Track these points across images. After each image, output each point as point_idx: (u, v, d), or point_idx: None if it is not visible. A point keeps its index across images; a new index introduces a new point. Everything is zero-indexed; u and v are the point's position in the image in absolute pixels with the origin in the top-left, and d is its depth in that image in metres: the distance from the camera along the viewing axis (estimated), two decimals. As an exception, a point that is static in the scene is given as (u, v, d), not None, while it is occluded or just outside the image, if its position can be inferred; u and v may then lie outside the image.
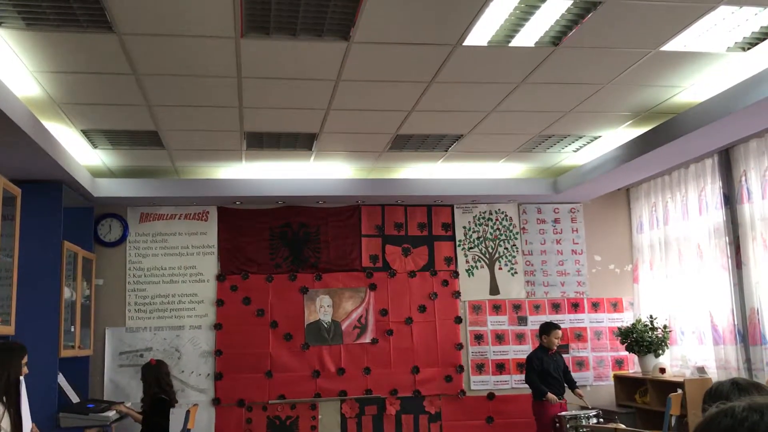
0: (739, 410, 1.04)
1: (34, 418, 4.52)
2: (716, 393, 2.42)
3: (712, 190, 6.68)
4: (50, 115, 5.13)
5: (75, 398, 6.39)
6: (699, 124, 5.29)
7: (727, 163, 6.53)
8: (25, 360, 4.31)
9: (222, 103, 4.99)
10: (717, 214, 6.60)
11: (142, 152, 6.24)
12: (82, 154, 6.16)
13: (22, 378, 4.12)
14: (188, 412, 6.12)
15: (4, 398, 3.99)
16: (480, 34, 3.96)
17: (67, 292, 6.26)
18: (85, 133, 5.60)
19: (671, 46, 4.23)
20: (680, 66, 4.59)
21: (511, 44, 4.10)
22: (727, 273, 6.44)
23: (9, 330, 5.03)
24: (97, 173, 6.83)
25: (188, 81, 4.56)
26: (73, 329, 6.48)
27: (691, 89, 5.05)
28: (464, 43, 4.06)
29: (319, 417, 7.49)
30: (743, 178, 6.29)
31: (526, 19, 3.81)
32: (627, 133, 6.13)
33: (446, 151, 6.48)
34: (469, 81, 4.71)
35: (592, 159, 6.92)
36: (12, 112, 4.44)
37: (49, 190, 6.04)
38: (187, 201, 7.42)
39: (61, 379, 6.18)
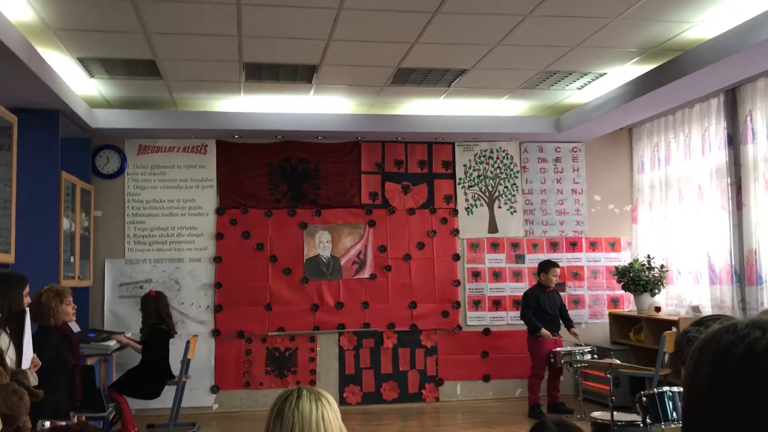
0: (742, 327, 1.01)
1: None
2: (684, 334, 2.43)
3: (716, 130, 6.61)
4: (45, 41, 5.01)
5: (76, 328, 6.46)
6: (707, 61, 5.19)
7: (732, 103, 6.44)
8: (26, 291, 4.31)
9: (221, 31, 4.88)
10: (720, 155, 6.56)
11: (140, 82, 6.14)
12: (78, 84, 6.06)
13: (27, 309, 4.12)
14: (188, 342, 6.20)
15: (8, 329, 4.00)
16: (488, -38, 3.83)
17: (65, 223, 6.25)
18: (81, 61, 5.49)
19: (684, -22, 4.10)
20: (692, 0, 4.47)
21: (519, -27, 3.98)
22: (727, 214, 6.44)
23: (9, 258, 5.04)
24: (94, 103, 6.73)
25: (186, 7, 4.44)
26: (72, 260, 6.50)
27: (701, 25, 4.94)
28: (471, -29, 3.93)
29: (318, 349, 7.61)
30: (748, 119, 6.22)
31: (536, -54, 3.68)
32: (633, 70, 6.02)
33: (449, 86, 6.38)
34: (475, 12, 4.59)
35: (596, 97, 6.82)
36: (5, 37, 4.33)
37: (46, 119, 5.96)
38: (186, 133, 7.34)
39: (62, 309, 6.23)
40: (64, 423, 2.94)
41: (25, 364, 3.89)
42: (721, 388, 0.98)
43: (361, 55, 5.46)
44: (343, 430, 1.91)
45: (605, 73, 6.11)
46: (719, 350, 1.00)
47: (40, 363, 3.97)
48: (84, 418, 2.85)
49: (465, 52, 5.44)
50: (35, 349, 3.99)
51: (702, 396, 1.01)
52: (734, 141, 6.44)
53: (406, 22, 4.74)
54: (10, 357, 3.88)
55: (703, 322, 2.48)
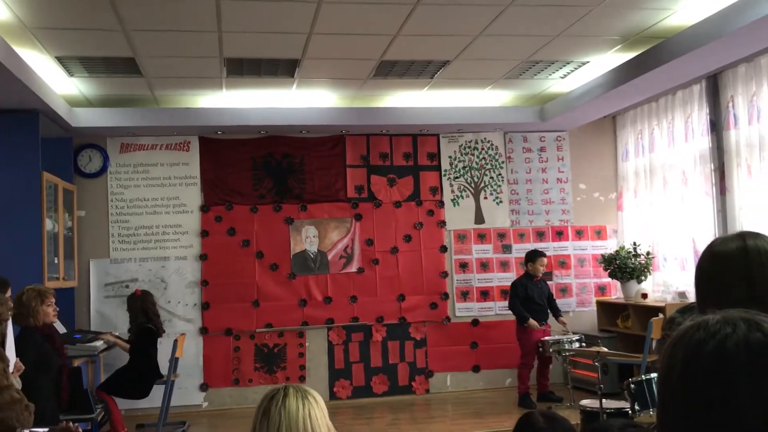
0: (713, 323, 1.02)
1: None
2: (670, 320, 2.44)
3: (699, 117, 6.64)
4: (23, 41, 4.94)
5: (62, 329, 6.40)
6: (688, 48, 5.20)
7: (714, 89, 6.47)
8: (8, 294, 4.27)
9: (200, 27, 4.83)
10: (703, 141, 6.59)
11: (120, 80, 6.07)
12: (58, 83, 5.99)
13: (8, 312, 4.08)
14: (176, 341, 6.16)
15: None
16: (468, -48, 3.81)
17: (48, 224, 6.19)
18: (60, 60, 5.43)
19: (664, -35, 4.10)
20: (672, -14, 4.48)
21: (499, -37, 3.96)
22: (711, 199, 6.48)
23: (-9, 261, 4.98)
24: (74, 102, 6.65)
25: (164, 3, 4.39)
26: (56, 261, 6.44)
27: (682, 11, 4.94)
28: (451, -38, 3.91)
29: (307, 344, 7.59)
30: (730, 104, 6.25)
31: (516, -64, 3.66)
32: (615, 58, 6.03)
33: (432, 78, 6.36)
34: (456, 3, 4.57)
35: (580, 85, 6.83)
36: (-19, 37, 4.27)
37: (25, 119, 5.89)
38: (168, 131, 7.28)
39: (47, 311, 6.17)
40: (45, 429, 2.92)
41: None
42: (694, 384, 0.99)
43: (343, 49, 5.43)
44: (331, 428, 1.90)
45: (588, 62, 6.12)
46: (691, 347, 1.01)
47: (23, 367, 3.93)
48: (69, 423, 2.81)
49: (447, 44, 5.43)
50: (18, 352, 3.94)
51: (675, 392, 1.02)
52: (717, 127, 6.47)
53: (388, 14, 4.71)
54: None
55: (689, 308, 2.48)
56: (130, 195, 7.39)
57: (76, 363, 5.94)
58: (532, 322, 6.86)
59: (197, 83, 6.31)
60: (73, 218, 7.04)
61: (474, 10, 4.72)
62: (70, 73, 5.78)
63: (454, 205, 7.98)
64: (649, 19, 5.08)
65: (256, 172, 7.61)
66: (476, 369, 7.83)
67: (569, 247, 8.13)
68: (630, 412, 4.31)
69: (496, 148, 8.09)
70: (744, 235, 1.69)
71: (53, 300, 4.60)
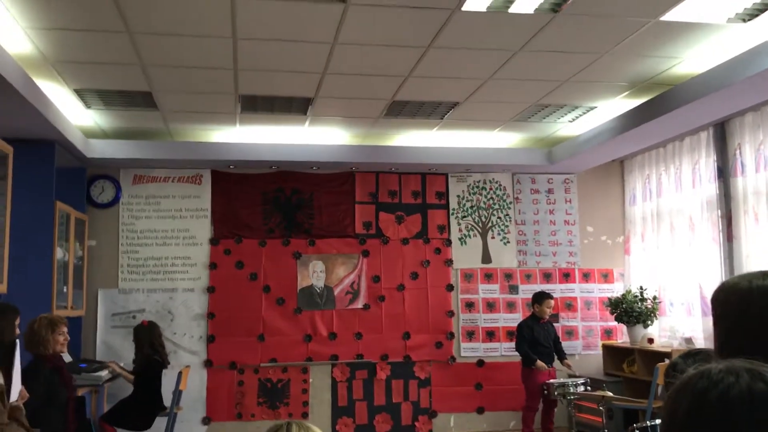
0: (716, 372, 1.03)
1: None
2: (673, 365, 2.44)
3: (706, 163, 6.68)
4: (43, 73, 5.07)
5: (67, 358, 6.42)
6: (696, 96, 5.27)
7: (722, 136, 6.53)
8: (17, 321, 4.31)
9: (217, 64, 4.94)
10: (710, 187, 6.62)
11: (136, 113, 6.19)
12: (75, 114, 6.11)
13: (17, 340, 4.11)
14: (180, 373, 6.16)
15: None
16: (479, -1, 3.91)
17: (59, 253, 6.25)
18: (78, 92, 5.55)
19: (671, 15, 4.19)
20: (679, 36, 4.56)
21: (510, 10, 4.06)
22: (718, 246, 6.48)
23: (1, 288, 5.03)
24: (90, 134, 6.77)
25: (183, 41, 4.50)
26: (65, 290, 6.48)
27: (689, 61, 5.03)
28: (463, 8, 4.01)
29: (310, 380, 7.56)
30: (738, 152, 6.29)
31: (526, -15, 3.76)
32: (623, 104, 6.11)
33: (442, 118, 6.45)
34: (467, 47, 4.67)
35: (588, 130, 6.90)
36: (3, 69, 4.38)
37: (42, 149, 5.99)
38: (181, 164, 7.38)
39: (54, 339, 6.19)
40: None
41: (14, 395, 3.87)
42: None
43: (356, 88, 5.53)
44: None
45: (596, 107, 6.19)
46: (694, 396, 1.02)
47: (28, 395, 3.95)
48: None
49: (458, 86, 5.52)
50: (26, 382, 3.96)
51: None
52: (724, 174, 6.51)
53: (400, 56, 4.81)
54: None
55: (692, 354, 2.48)
56: (140, 226, 7.46)
57: (80, 392, 5.94)
58: (539, 363, 6.81)
59: (211, 118, 6.42)
60: (83, 248, 7.10)
61: (484, 55, 4.82)
62: (88, 106, 5.90)
63: (462, 244, 8.01)
64: (656, 67, 5.16)
65: (266, 206, 7.68)
66: (480, 410, 7.76)
67: (576, 289, 8.12)
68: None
69: (504, 188, 8.14)
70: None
71: (65, 329, 4.63)
